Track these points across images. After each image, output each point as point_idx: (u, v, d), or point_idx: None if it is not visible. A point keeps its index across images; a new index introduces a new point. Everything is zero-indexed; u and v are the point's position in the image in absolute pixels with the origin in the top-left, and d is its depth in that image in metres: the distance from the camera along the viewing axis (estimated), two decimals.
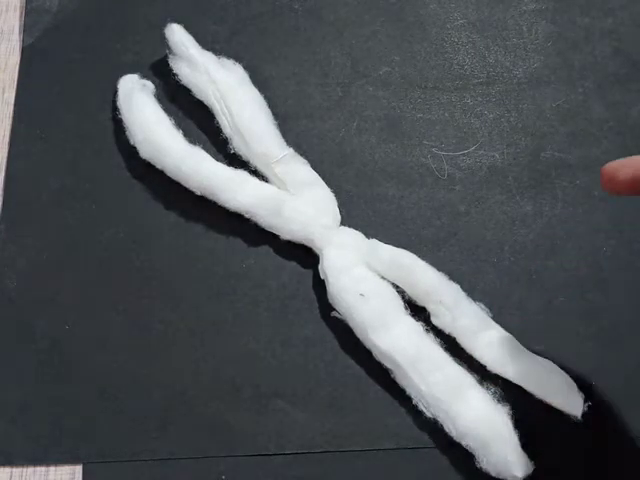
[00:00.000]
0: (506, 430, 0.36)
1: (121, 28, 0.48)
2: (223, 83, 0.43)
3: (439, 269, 0.40)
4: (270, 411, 0.39)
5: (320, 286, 0.41)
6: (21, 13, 0.49)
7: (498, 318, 0.40)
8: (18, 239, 0.43)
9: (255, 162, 0.43)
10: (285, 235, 0.41)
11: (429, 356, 0.38)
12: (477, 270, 0.42)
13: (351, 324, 0.39)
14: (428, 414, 0.37)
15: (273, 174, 0.42)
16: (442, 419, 0.37)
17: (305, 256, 0.42)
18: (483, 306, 0.40)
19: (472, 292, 0.40)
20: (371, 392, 0.39)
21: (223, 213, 0.42)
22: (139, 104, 0.43)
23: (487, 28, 0.49)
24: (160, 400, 0.39)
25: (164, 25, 0.45)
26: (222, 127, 0.43)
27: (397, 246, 0.41)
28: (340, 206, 0.42)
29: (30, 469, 0.38)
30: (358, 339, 0.39)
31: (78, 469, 0.38)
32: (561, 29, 0.49)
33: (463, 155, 0.45)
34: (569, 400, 0.37)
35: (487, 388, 0.38)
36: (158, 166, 0.43)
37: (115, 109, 0.44)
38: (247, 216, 0.42)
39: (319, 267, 0.41)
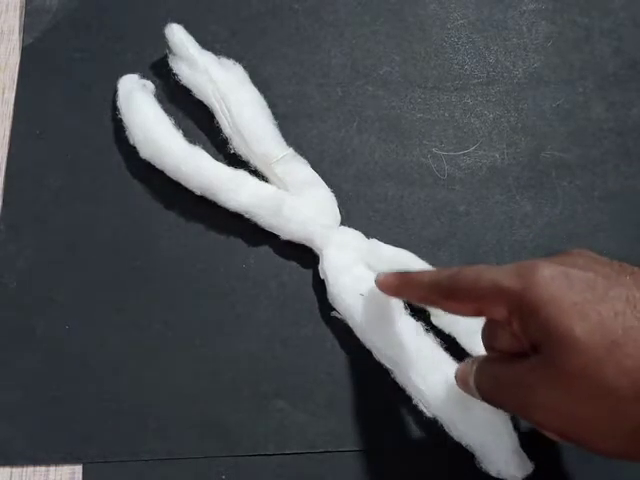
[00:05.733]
0: (506, 430, 0.36)
1: (121, 28, 0.48)
2: (223, 83, 0.43)
3: None
4: (270, 411, 0.39)
5: (320, 286, 0.41)
6: (21, 13, 0.49)
7: None
8: (18, 239, 0.43)
9: (255, 162, 0.43)
10: (285, 235, 0.41)
11: (429, 356, 0.38)
12: None
13: (351, 324, 0.39)
14: (428, 414, 0.37)
15: (273, 174, 0.42)
16: (442, 419, 0.37)
17: (305, 256, 0.42)
18: None
19: None
20: (371, 392, 0.39)
21: (223, 213, 0.42)
22: (139, 104, 0.43)
23: (487, 28, 0.49)
24: (160, 400, 0.39)
25: (164, 25, 0.45)
26: (222, 127, 0.43)
27: (397, 246, 0.41)
28: (340, 206, 0.43)
29: (30, 469, 0.38)
30: (358, 339, 0.39)
31: (78, 469, 0.38)
32: (561, 29, 0.49)
33: (463, 155, 0.45)
34: None
35: None
36: (158, 166, 0.43)
37: (115, 109, 0.44)
38: (247, 216, 0.42)
39: (319, 267, 0.41)
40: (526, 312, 0.29)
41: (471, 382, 0.33)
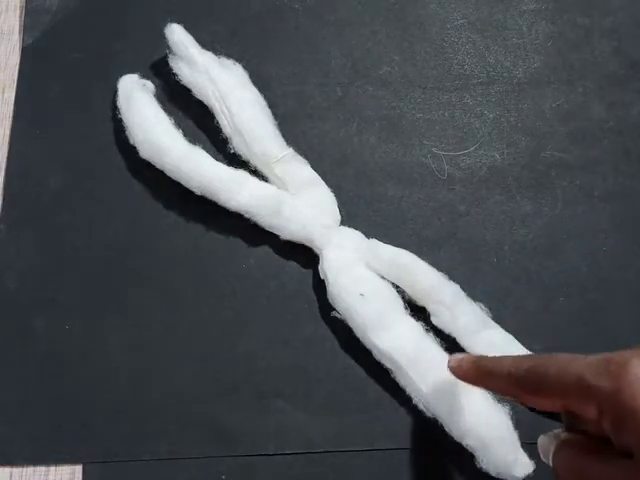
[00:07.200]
0: (506, 430, 0.36)
1: (121, 28, 0.48)
2: (223, 83, 0.43)
3: (439, 269, 0.40)
4: (270, 411, 0.39)
5: (320, 286, 0.41)
6: (21, 13, 0.49)
7: (498, 318, 0.40)
8: (18, 239, 0.43)
9: (255, 162, 0.43)
10: (285, 235, 0.41)
11: (429, 356, 0.38)
12: (477, 270, 0.42)
13: (351, 324, 0.39)
14: (428, 414, 0.37)
15: (273, 174, 0.42)
16: (442, 419, 0.37)
17: (305, 256, 0.42)
18: (483, 306, 0.40)
19: (472, 292, 0.40)
20: (371, 392, 0.39)
21: (223, 213, 0.42)
22: (139, 104, 0.43)
23: (487, 28, 0.49)
24: (160, 400, 0.39)
25: (164, 25, 0.45)
26: (222, 127, 0.43)
27: (397, 246, 0.41)
28: (340, 206, 0.43)
29: (30, 469, 0.38)
30: (358, 339, 0.39)
31: (78, 469, 0.38)
32: (561, 29, 0.49)
33: (463, 155, 0.45)
34: None
35: None
36: (158, 166, 0.43)
37: (115, 109, 0.44)
38: (247, 216, 0.42)
39: (319, 267, 0.41)
40: (619, 416, 0.26)
41: (549, 461, 0.30)
